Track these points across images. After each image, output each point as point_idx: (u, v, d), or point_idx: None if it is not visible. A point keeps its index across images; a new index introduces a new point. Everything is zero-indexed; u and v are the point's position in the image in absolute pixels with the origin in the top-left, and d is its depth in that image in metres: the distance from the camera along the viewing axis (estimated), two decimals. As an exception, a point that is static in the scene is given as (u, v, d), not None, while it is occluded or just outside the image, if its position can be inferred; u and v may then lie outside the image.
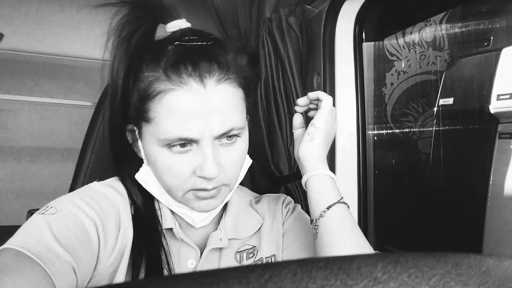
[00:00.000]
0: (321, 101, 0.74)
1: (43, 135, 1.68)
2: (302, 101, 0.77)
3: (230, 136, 0.61)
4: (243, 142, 0.64)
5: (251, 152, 1.21)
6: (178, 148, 0.58)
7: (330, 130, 0.73)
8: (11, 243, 0.50)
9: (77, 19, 1.59)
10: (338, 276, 0.14)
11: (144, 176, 0.67)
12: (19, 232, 0.53)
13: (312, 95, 0.76)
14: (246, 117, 0.68)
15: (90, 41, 1.60)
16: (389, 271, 0.15)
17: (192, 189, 0.61)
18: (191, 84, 0.56)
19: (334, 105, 1.11)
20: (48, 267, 0.48)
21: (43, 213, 0.56)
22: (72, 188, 1.10)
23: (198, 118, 0.56)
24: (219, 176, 0.60)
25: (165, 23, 0.65)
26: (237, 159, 0.63)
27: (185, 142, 0.58)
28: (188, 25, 0.66)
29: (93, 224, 0.59)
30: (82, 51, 1.61)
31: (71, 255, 0.52)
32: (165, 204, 0.67)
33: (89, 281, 0.58)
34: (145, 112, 0.59)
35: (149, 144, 0.61)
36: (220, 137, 0.59)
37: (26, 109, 1.66)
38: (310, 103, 0.78)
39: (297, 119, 0.79)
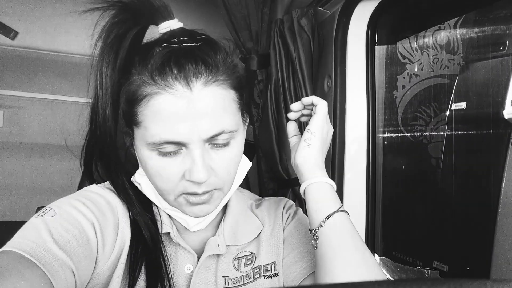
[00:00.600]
0: (315, 106, 0.71)
1: (54, 132, 1.69)
2: (296, 107, 0.74)
3: (221, 139, 0.59)
4: (236, 145, 0.62)
5: (259, 154, 1.21)
6: (166, 151, 0.57)
7: (326, 135, 0.71)
8: (10, 245, 0.50)
9: (90, 17, 1.60)
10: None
11: (139, 179, 0.66)
12: (18, 234, 0.53)
13: (306, 100, 0.73)
14: (243, 119, 0.66)
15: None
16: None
17: (183, 193, 0.60)
18: (177, 88, 0.55)
19: (344, 108, 1.10)
20: (48, 269, 0.48)
21: (42, 216, 0.55)
22: (80, 186, 1.10)
23: (184, 122, 0.55)
24: (210, 180, 0.59)
25: (157, 24, 0.63)
26: (230, 163, 0.61)
27: (174, 146, 0.57)
28: (180, 25, 0.63)
29: (92, 227, 0.58)
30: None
31: (70, 258, 0.52)
32: (160, 207, 0.67)
33: (87, 284, 0.58)
34: (134, 116, 0.58)
35: (139, 148, 0.60)
36: (210, 140, 0.57)
37: (38, 106, 1.68)
38: (304, 108, 0.75)
39: (291, 127, 0.77)
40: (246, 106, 0.67)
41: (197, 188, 0.59)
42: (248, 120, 0.70)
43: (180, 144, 0.57)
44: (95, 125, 0.64)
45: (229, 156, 0.61)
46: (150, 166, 0.59)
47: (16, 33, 1.56)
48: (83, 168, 0.70)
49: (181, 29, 0.63)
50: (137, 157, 0.64)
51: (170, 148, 0.57)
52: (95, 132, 0.64)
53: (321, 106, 0.70)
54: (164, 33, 0.62)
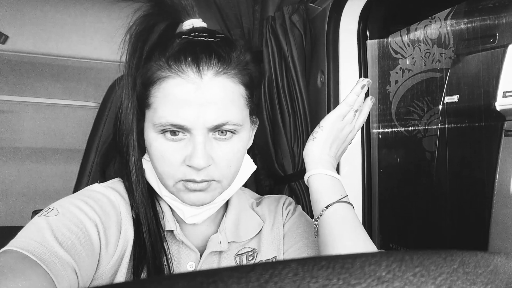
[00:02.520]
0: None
1: (47, 136, 1.68)
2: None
3: (224, 131, 0.61)
4: (240, 140, 0.64)
5: (255, 152, 1.20)
6: (169, 135, 0.60)
7: (338, 133, 0.72)
8: (13, 245, 0.50)
9: (81, 20, 1.59)
10: (341, 275, 0.14)
11: (144, 165, 0.68)
12: (20, 234, 0.53)
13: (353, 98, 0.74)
14: (251, 118, 0.68)
15: (93, 42, 1.60)
16: (394, 270, 0.15)
17: (182, 180, 0.61)
18: (188, 74, 0.58)
19: (338, 103, 1.11)
20: (50, 269, 0.48)
21: (45, 215, 0.56)
22: (76, 189, 1.10)
23: (191, 107, 0.58)
24: (209, 170, 0.61)
25: (182, 22, 0.68)
26: (231, 157, 0.63)
27: (177, 130, 0.59)
28: (202, 24, 0.68)
29: (95, 226, 0.58)
30: (85, 52, 1.61)
31: (72, 257, 0.52)
32: (160, 195, 0.68)
33: (90, 284, 0.58)
34: (146, 98, 0.62)
35: (147, 130, 0.63)
36: (214, 129, 0.60)
37: (30, 110, 1.67)
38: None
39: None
40: (256, 106, 0.70)
41: (196, 175, 0.60)
42: (257, 123, 0.72)
43: (184, 129, 0.59)
44: (120, 110, 0.67)
45: (231, 149, 0.62)
46: (154, 148, 0.61)
47: (6, 37, 1.55)
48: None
49: (203, 27, 0.67)
50: (145, 141, 0.66)
51: (172, 132, 0.59)
52: (120, 118, 0.67)
53: (342, 104, 0.73)
54: (188, 29, 0.66)
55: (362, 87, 0.73)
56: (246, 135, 0.66)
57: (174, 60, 0.59)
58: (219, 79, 0.59)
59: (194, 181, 0.61)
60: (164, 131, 0.60)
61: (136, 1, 0.66)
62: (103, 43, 1.61)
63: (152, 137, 0.62)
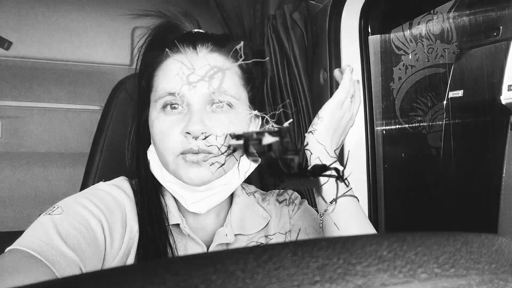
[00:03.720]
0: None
1: (53, 140, 1.69)
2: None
3: (220, 102, 0.64)
4: (237, 117, 0.66)
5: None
6: (169, 109, 0.64)
7: (338, 121, 0.70)
8: (18, 243, 0.51)
9: (83, 24, 1.60)
10: (341, 254, 0.14)
11: (149, 156, 0.71)
12: (26, 233, 0.53)
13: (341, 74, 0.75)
14: (250, 107, 0.70)
15: (96, 46, 1.61)
16: (395, 249, 0.15)
17: (181, 153, 0.63)
18: (186, 52, 0.64)
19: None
20: (55, 267, 0.48)
21: (49, 214, 0.56)
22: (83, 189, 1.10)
23: (187, 77, 0.62)
24: (209, 140, 0.62)
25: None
26: (230, 128, 0.64)
27: (175, 103, 0.63)
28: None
29: (99, 224, 0.59)
30: (89, 56, 1.62)
31: (77, 255, 0.52)
32: (162, 181, 0.68)
33: None
34: (149, 81, 0.68)
35: (151, 113, 0.67)
36: (210, 101, 0.64)
37: (35, 115, 1.68)
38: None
39: None
40: (257, 95, 0.73)
41: (194, 143, 0.62)
42: (258, 114, 0.71)
43: (181, 99, 0.62)
44: (134, 109, 0.73)
45: (228, 121, 0.64)
46: (155, 126, 0.65)
47: (10, 43, 1.56)
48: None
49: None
50: (149, 127, 0.69)
51: (173, 104, 0.63)
52: (134, 116, 0.74)
53: (340, 90, 0.71)
54: None
55: (351, 71, 0.73)
56: (244, 113, 0.67)
57: (174, 45, 0.65)
58: (214, 55, 0.65)
59: (192, 152, 0.62)
60: (164, 106, 0.64)
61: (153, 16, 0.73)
62: (106, 47, 1.62)
63: (154, 116, 0.65)
